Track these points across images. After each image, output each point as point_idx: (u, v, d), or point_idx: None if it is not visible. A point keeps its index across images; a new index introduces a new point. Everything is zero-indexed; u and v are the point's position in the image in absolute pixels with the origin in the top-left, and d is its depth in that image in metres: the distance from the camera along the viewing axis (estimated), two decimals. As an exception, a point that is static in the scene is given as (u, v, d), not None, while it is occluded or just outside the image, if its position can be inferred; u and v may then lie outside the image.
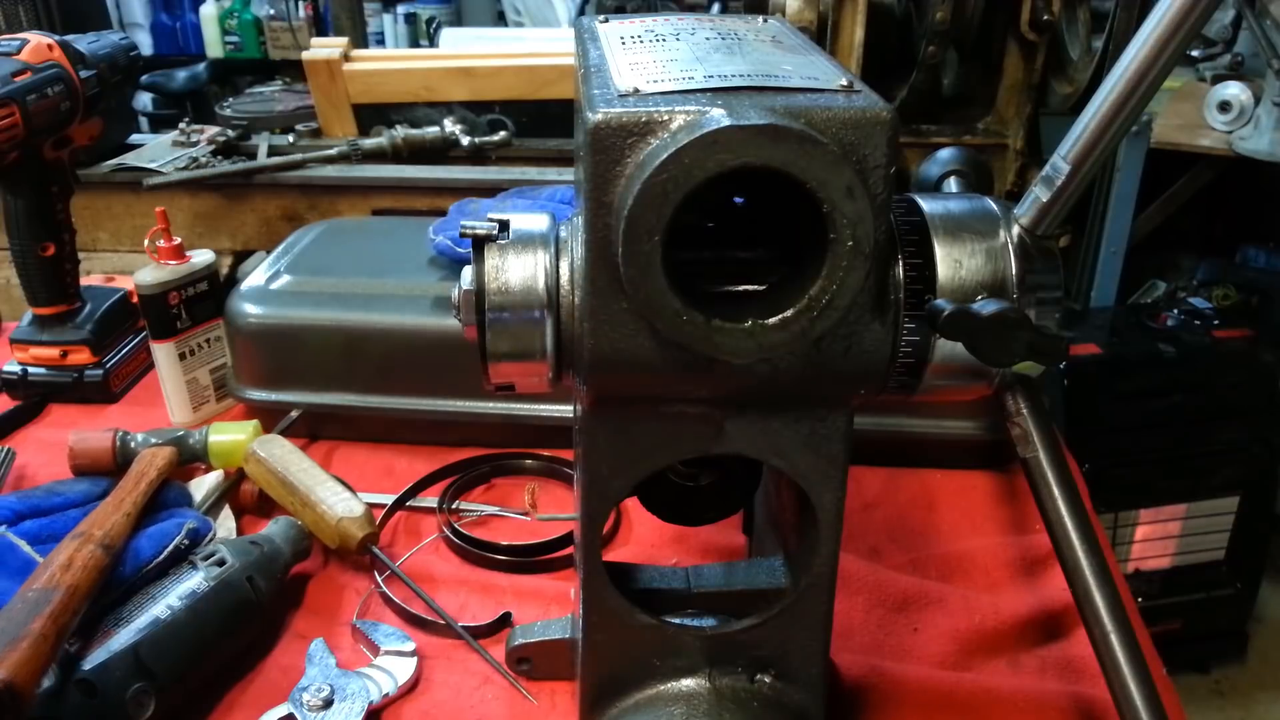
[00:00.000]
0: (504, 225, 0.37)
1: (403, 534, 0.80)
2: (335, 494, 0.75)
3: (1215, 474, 1.75)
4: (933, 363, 0.38)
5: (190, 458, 0.81)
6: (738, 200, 0.42)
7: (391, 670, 0.64)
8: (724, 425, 0.42)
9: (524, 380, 0.38)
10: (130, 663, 0.58)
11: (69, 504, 0.73)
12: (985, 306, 0.35)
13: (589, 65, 0.41)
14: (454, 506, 0.82)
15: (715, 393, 0.41)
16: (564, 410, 0.85)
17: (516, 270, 0.38)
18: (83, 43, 0.94)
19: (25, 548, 0.65)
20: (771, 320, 0.36)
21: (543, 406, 0.86)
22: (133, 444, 0.81)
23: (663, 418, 0.42)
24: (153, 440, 0.80)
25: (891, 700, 0.63)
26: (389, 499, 0.81)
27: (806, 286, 0.35)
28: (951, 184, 0.81)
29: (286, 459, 0.78)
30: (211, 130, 1.58)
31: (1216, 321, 1.79)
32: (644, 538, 0.79)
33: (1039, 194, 0.41)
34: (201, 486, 0.79)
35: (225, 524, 0.77)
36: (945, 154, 0.84)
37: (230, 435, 0.81)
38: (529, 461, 0.87)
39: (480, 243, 0.37)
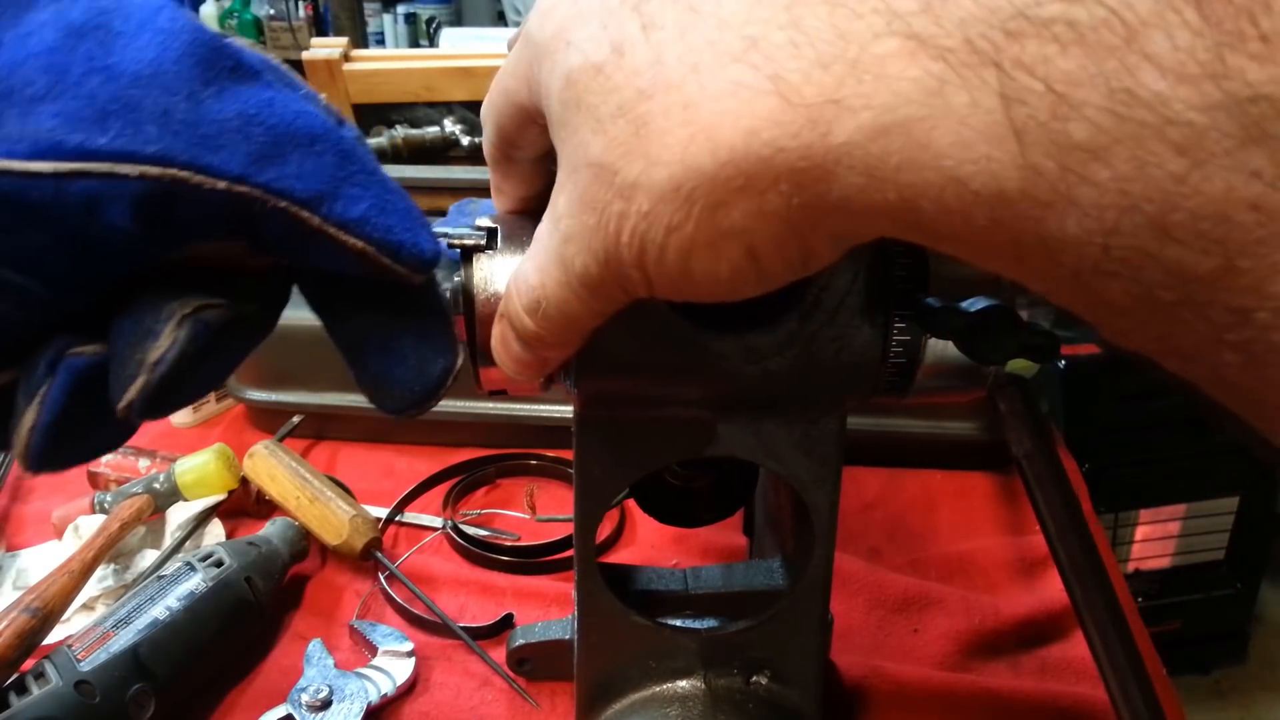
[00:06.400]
0: (492, 234, 0.37)
1: (405, 534, 0.80)
2: (336, 499, 0.75)
3: (1215, 474, 1.75)
4: (925, 364, 0.38)
5: (166, 498, 0.77)
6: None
7: (390, 671, 0.64)
8: (716, 427, 0.42)
9: (516, 385, 0.38)
10: (130, 663, 0.58)
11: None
12: (975, 304, 0.35)
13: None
14: (456, 508, 0.82)
15: (706, 395, 0.41)
16: (565, 410, 0.85)
17: (506, 279, 0.37)
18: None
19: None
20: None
21: (544, 407, 0.86)
22: (107, 502, 0.77)
23: (655, 420, 0.42)
24: (134, 490, 0.77)
25: (891, 701, 0.63)
26: (388, 510, 0.81)
27: (795, 287, 0.35)
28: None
29: (286, 462, 0.78)
30: (212, 131, 1.58)
31: (1217, 321, 1.78)
32: (646, 539, 0.79)
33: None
34: (177, 516, 0.77)
35: (214, 533, 0.77)
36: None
37: (194, 463, 0.78)
38: (532, 462, 0.87)
39: (468, 252, 0.37)
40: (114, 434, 0.33)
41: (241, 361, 0.34)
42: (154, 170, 0.28)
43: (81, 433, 0.31)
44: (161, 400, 0.30)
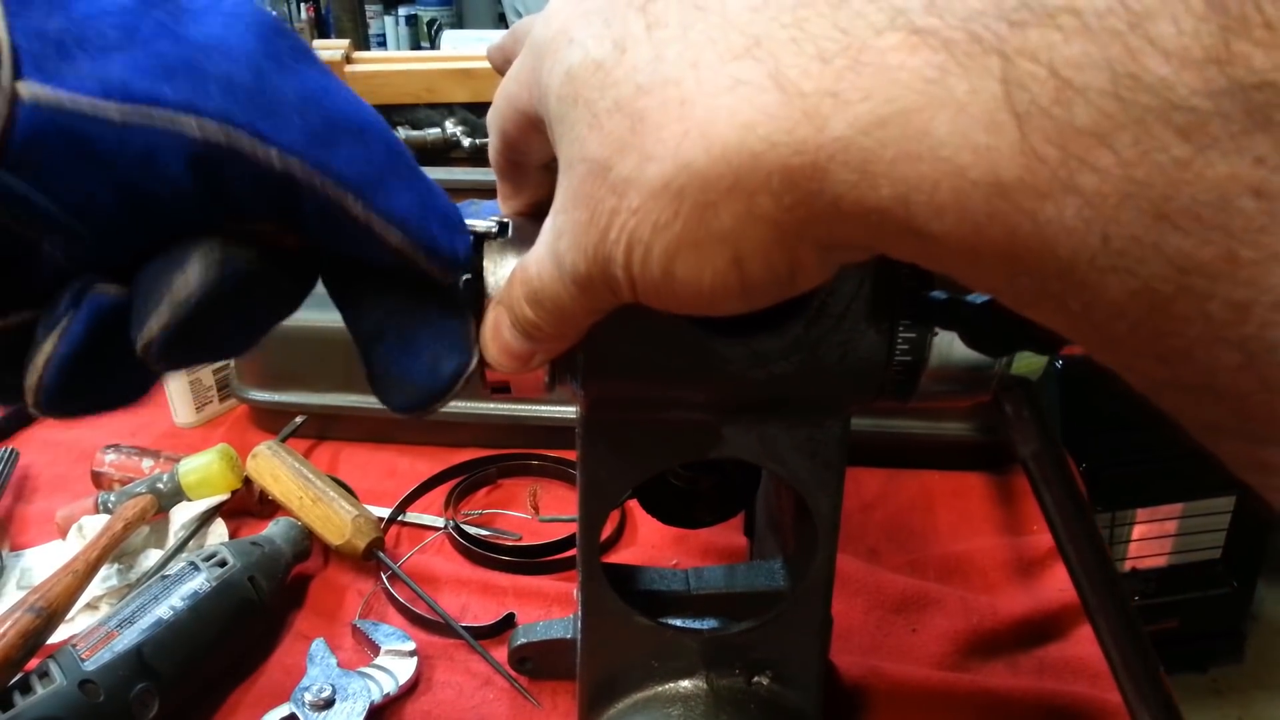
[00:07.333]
0: (504, 226, 0.37)
1: (407, 534, 0.81)
2: (339, 499, 0.76)
3: (1212, 473, 1.73)
4: (929, 368, 0.38)
5: (170, 498, 0.78)
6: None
7: (392, 670, 0.64)
8: (720, 430, 0.42)
9: (520, 382, 0.39)
10: (134, 663, 0.58)
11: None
12: (980, 296, 0.36)
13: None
14: (458, 508, 0.82)
15: (710, 398, 0.41)
16: (567, 411, 0.85)
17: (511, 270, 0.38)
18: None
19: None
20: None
21: (545, 407, 0.86)
22: (111, 502, 0.77)
23: (660, 422, 0.42)
24: (138, 490, 0.77)
25: (890, 701, 0.64)
26: (391, 510, 0.81)
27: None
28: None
29: (289, 463, 0.79)
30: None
31: (1215, 320, 1.79)
32: (647, 539, 0.79)
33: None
34: (181, 516, 0.77)
35: (218, 533, 0.77)
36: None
37: (198, 463, 0.78)
38: (533, 462, 0.88)
39: (480, 240, 0.37)
40: (131, 384, 0.32)
41: (266, 332, 0.34)
42: (213, 126, 0.28)
43: (97, 376, 0.30)
44: (183, 341, 0.29)
